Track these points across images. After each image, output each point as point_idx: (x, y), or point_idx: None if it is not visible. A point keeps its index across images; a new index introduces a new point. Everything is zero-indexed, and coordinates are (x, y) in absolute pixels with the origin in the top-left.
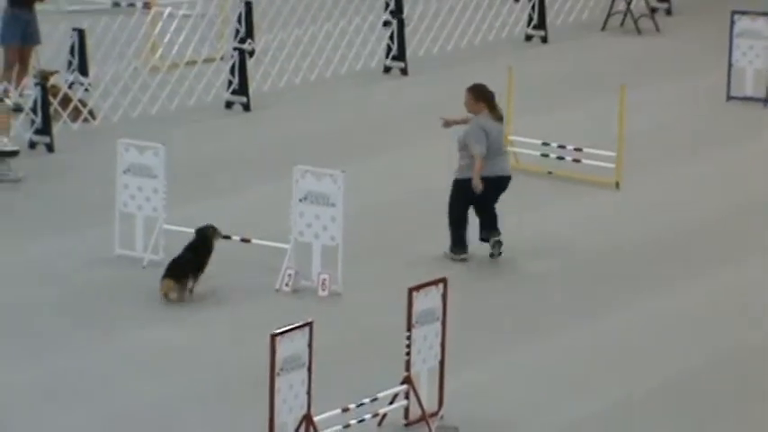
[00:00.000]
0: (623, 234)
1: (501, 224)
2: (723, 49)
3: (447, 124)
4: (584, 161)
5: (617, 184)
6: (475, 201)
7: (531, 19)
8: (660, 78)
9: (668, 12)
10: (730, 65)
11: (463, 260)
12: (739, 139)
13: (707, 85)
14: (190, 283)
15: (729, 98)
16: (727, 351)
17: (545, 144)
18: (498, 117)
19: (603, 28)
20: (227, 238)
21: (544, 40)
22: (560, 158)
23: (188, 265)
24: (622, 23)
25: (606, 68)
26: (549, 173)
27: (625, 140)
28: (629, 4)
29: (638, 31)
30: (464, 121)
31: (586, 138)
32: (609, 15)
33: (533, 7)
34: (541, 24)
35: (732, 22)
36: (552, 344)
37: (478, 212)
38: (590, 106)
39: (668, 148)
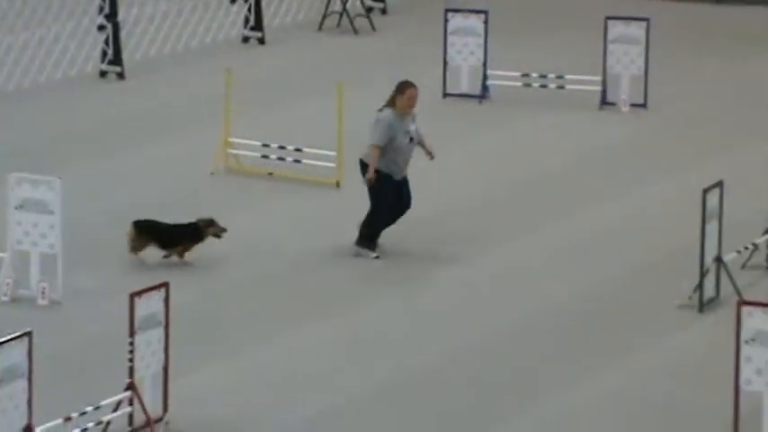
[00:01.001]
0: (345, 233)
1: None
2: (439, 47)
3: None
4: (304, 161)
5: (338, 183)
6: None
7: (247, 20)
8: (378, 77)
9: (383, 11)
10: (445, 63)
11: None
12: (456, 136)
13: (424, 82)
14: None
15: (446, 95)
16: (456, 348)
17: (265, 145)
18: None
19: (320, 28)
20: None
21: (261, 41)
22: (281, 159)
23: (158, 230)
24: (339, 23)
25: (324, 68)
26: (270, 174)
27: (345, 139)
28: (344, 4)
29: (355, 31)
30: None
31: (307, 138)
32: (325, 16)
33: (249, 9)
34: (258, 26)
35: (446, 21)
36: (284, 344)
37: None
38: (309, 106)
39: None
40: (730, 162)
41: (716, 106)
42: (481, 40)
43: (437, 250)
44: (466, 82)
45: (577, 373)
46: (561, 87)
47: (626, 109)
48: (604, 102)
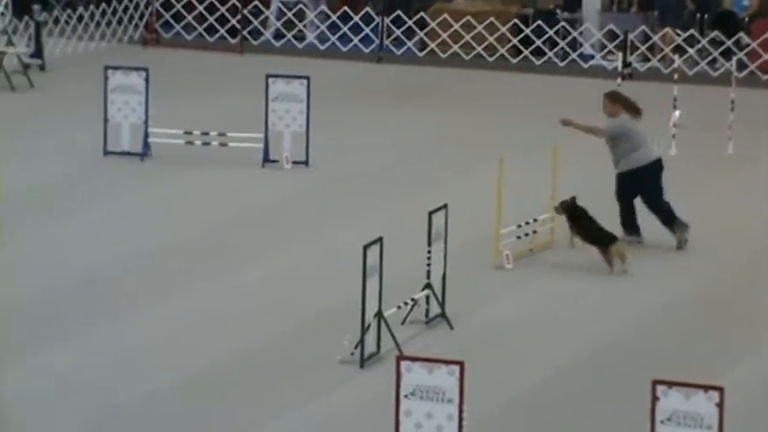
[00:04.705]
0: (5, 295)
1: None
2: (99, 105)
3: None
4: None
5: None
6: (639, 191)
7: None
8: (38, 135)
9: (42, 68)
10: (106, 120)
11: (638, 242)
12: (118, 194)
13: (84, 140)
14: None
15: (106, 153)
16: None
17: None
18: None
19: None
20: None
21: None
22: None
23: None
24: None
25: None
26: None
27: (3, 199)
28: (1, 60)
29: (12, 88)
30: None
31: None
32: None
33: None
34: None
35: (106, 78)
36: None
37: (650, 206)
38: None
39: (49, 205)
40: (390, 218)
41: (376, 162)
42: (142, 98)
43: (91, 304)
44: (127, 139)
45: (239, 428)
46: (224, 145)
47: (288, 166)
48: (267, 159)
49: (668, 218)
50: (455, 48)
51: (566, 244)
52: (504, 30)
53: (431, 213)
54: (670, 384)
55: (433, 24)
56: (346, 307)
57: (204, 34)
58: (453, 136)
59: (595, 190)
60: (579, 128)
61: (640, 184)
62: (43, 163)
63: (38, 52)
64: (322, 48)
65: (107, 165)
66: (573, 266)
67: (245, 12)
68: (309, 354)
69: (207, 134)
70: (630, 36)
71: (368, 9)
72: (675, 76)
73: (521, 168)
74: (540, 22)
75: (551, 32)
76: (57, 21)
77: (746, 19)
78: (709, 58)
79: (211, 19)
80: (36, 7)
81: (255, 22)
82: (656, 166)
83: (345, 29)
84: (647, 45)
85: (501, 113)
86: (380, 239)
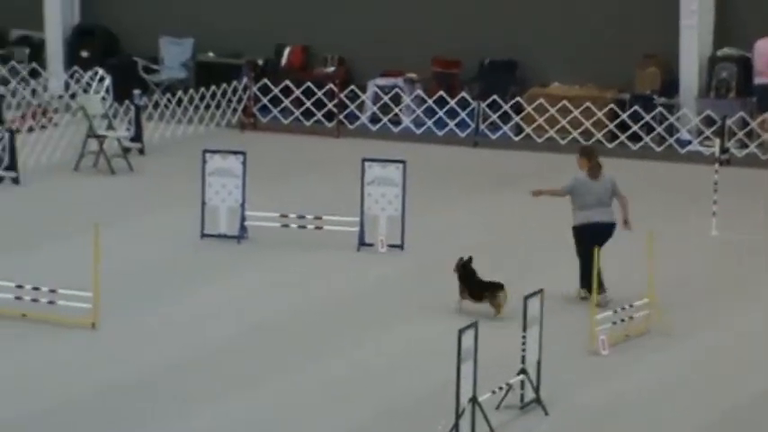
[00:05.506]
0: (102, 376)
1: None
2: (197, 188)
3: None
4: (60, 302)
5: (93, 325)
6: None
7: (1, 160)
8: (136, 217)
9: (141, 151)
10: (204, 203)
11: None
12: (215, 276)
13: (182, 222)
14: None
15: (204, 236)
16: None
17: (19, 287)
18: (595, 175)
19: (77, 168)
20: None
21: (16, 181)
22: (35, 300)
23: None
24: (95, 164)
25: (81, 209)
26: (24, 315)
27: (101, 280)
28: (101, 144)
29: (113, 171)
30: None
31: (63, 279)
32: (82, 156)
33: (3, 149)
34: (12, 166)
35: (204, 161)
36: None
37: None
38: (65, 247)
39: (146, 287)
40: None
41: (471, 246)
42: (239, 181)
43: (185, 388)
44: (224, 222)
45: None
46: (319, 228)
47: (383, 250)
48: (362, 243)
49: (587, 281)
50: (551, 132)
51: (662, 331)
52: (600, 114)
53: (526, 298)
54: None
55: (528, 109)
56: (440, 391)
57: (301, 118)
58: (549, 220)
59: (690, 275)
60: (547, 193)
61: (586, 240)
62: (142, 245)
63: (137, 136)
64: (418, 132)
65: (204, 247)
66: (669, 353)
67: (341, 96)
68: None
69: (303, 217)
70: (728, 122)
71: (464, 94)
72: None
73: (616, 254)
74: (636, 107)
75: (648, 118)
76: (156, 105)
77: None
78: None
79: (308, 103)
80: (136, 92)
81: (352, 107)
82: (598, 229)
83: (441, 113)
84: (744, 131)
85: None
86: (476, 323)
